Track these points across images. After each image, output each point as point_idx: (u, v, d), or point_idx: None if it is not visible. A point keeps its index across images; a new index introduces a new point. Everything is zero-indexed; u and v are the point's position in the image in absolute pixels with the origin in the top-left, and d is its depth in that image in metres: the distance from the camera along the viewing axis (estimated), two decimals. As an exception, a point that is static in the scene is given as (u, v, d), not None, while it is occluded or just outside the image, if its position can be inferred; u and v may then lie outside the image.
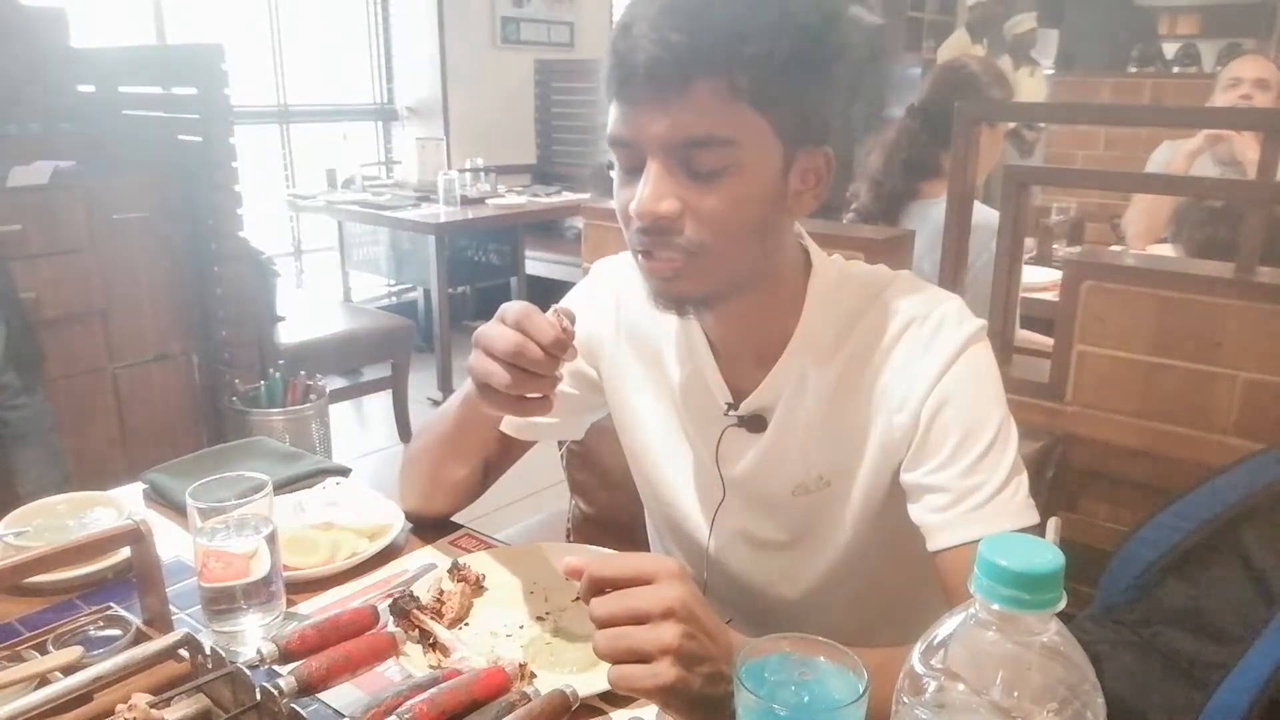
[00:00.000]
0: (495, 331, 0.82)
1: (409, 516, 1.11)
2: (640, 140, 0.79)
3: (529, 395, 0.84)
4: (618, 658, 0.68)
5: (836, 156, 0.86)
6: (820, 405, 0.91)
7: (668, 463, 1.03)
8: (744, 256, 0.83)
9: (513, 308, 0.83)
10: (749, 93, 0.77)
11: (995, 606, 0.49)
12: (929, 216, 2.08)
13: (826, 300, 0.91)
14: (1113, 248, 2.81)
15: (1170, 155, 2.79)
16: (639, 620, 0.67)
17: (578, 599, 0.90)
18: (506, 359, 0.81)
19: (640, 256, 0.84)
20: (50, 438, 2.37)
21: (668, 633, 0.67)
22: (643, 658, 0.67)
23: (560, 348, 0.81)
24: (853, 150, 0.83)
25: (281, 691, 0.68)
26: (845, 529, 0.94)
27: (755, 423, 0.94)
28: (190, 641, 0.77)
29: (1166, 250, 2.61)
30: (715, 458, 0.97)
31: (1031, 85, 5.11)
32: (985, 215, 1.83)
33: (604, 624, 0.68)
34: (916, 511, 0.86)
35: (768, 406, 0.93)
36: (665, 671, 0.66)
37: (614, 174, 0.85)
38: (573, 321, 0.83)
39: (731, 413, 0.95)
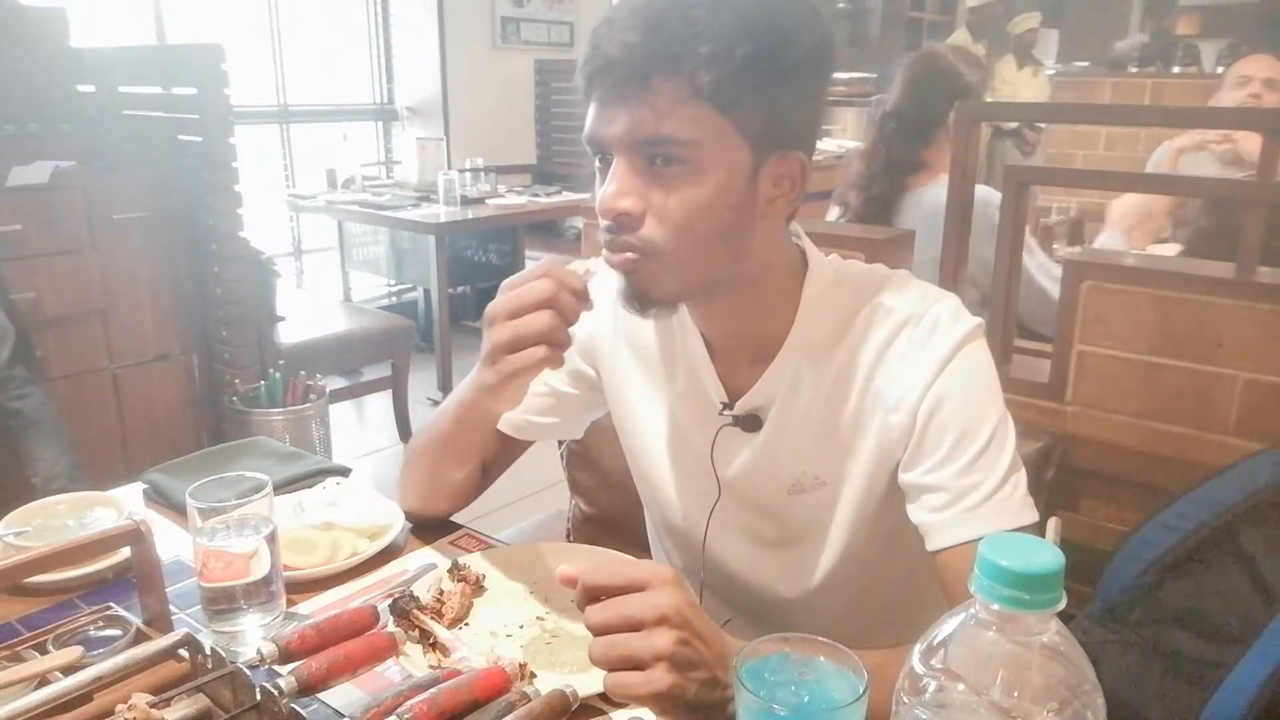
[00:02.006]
0: (522, 289, 0.84)
1: (409, 516, 1.11)
2: (605, 138, 0.81)
3: (551, 347, 0.84)
4: (612, 665, 0.68)
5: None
6: (816, 405, 0.91)
7: (664, 462, 1.03)
8: (703, 260, 0.83)
9: (526, 271, 0.86)
10: (709, 94, 0.77)
11: (995, 606, 0.49)
12: (922, 204, 2.09)
13: (822, 300, 0.91)
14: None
15: (1162, 156, 2.78)
16: (633, 627, 0.68)
17: (577, 599, 0.90)
18: (544, 303, 0.83)
19: (605, 252, 0.85)
20: (58, 425, 2.40)
21: (661, 639, 0.67)
22: (637, 665, 0.67)
23: (586, 296, 0.84)
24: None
25: (281, 691, 0.68)
26: (842, 529, 0.94)
27: (750, 422, 0.94)
28: (190, 641, 0.77)
29: (1167, 250, 2.61)
30: (711, 457, 0.97)
31: (1035, 85, 5.10)
32: (981, 191, 1.85)
33: (599, 631, 0.69)
34: (915, 511, 0.86)
35: (763, 406, 0.93)
36: (660, 678, 0.66)
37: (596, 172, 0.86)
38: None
39: (726, 412, 0.95)
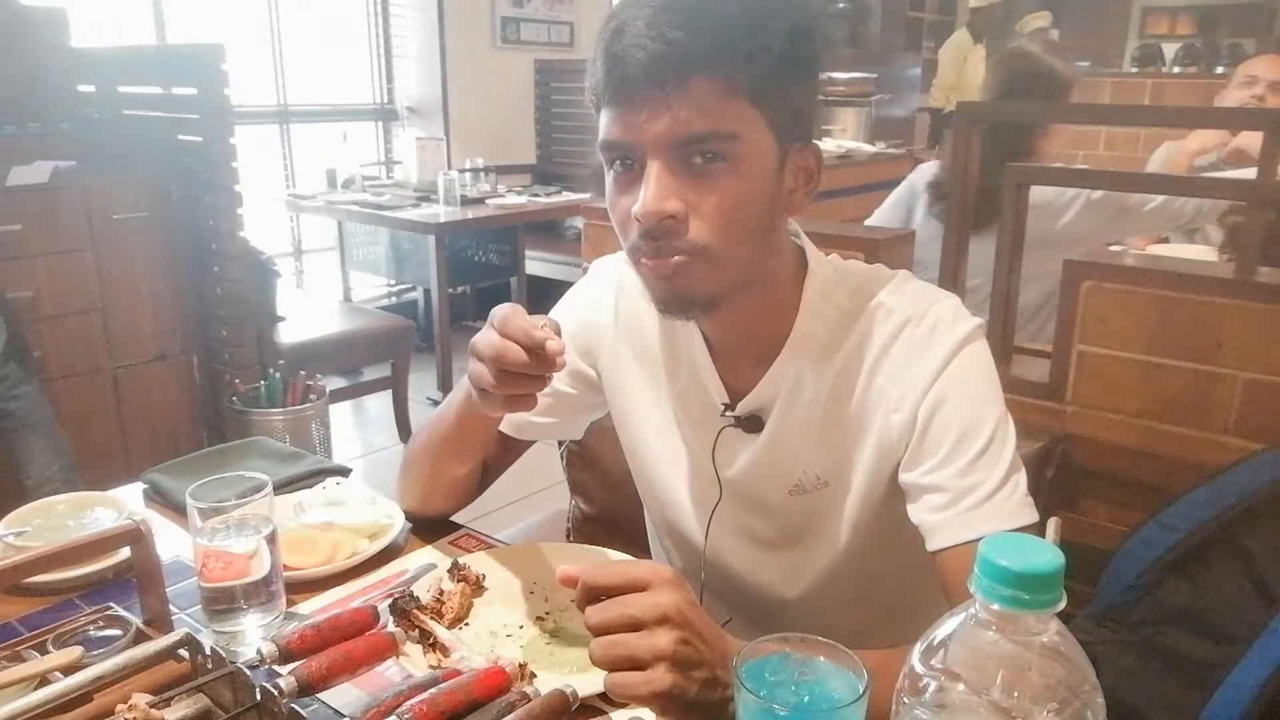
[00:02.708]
0: (482, 336, 0.83)
1: (409, 516, 1.11)
2: (640, 141, 0.79)
3: (517, 394, 0.84)
4: (613, 665, 0.67)
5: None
6: (817, 405, 0.91)
7: (665, 462, 1.03)
8: (745, 256, 0.83)
9: (498, 312, 0.83)
10: (746, 89, 0.77)
11: (995, 606, 0.49)
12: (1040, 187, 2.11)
13: (823, 300, 0.91)
14: (1112, 248, 2.81)
15: (1169, 155, 2.77)
16: (634, 627, 0.67)
17: (578, 599, 0.90)
18: (490, 363, 0.82)
19: (641, 261, 0.83)
20: (53, 426, 2.38)
21: (662, 639, 0.67)
22: (638, 664, 0.67)
23: (539, 347, 0.80)
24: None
25: (281, 691, 0.68)
26: (843, 529, 0.94)
27: (752, 423, 0.94)
28: (190, 641, 0.77)
29: (1167, 250, 2.60)
30: (712, 458, 0.97)
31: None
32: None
33: (599, 631, 0.68)
34: (915, 511, 0.86)
35: (764, 407, 0.93)
36: (660, 678, 0.66)
37: (608, 181, 0.85)
38: (557, 330, 0.83)
39: (728, 413, 0.95)
